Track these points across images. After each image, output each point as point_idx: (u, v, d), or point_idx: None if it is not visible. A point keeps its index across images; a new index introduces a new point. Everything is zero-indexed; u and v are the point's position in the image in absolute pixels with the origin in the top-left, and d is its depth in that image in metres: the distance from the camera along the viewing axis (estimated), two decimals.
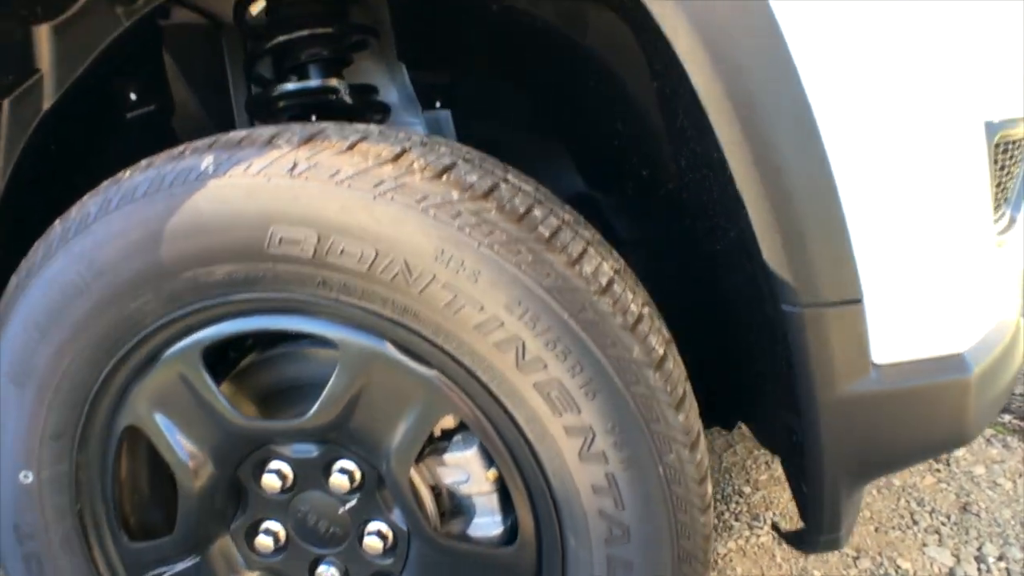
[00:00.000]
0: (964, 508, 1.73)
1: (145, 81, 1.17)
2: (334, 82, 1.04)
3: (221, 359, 0.93)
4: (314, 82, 1.04)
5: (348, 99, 1.05)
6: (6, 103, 0.97)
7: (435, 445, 0.89)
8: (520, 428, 0.78)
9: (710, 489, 0.81)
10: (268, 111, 1.12)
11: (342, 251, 0.74)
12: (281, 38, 1.03)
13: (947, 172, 0.80)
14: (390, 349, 0.80)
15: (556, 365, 0.73)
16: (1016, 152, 1.03)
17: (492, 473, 0.85)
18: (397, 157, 0.74)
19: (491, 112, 1.24)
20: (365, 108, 1.10)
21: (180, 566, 0.95)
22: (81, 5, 0.94)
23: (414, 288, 0.74)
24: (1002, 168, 0.99)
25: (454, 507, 0.91)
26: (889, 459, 0.96)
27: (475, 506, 0.89)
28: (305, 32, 1.03)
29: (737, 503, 1.72)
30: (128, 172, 0.82)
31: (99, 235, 0.80)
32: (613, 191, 1.23)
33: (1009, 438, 2.05)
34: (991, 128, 0.87)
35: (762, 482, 1.83)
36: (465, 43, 1.13)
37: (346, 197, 0.73)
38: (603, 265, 0.77)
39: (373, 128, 0.81)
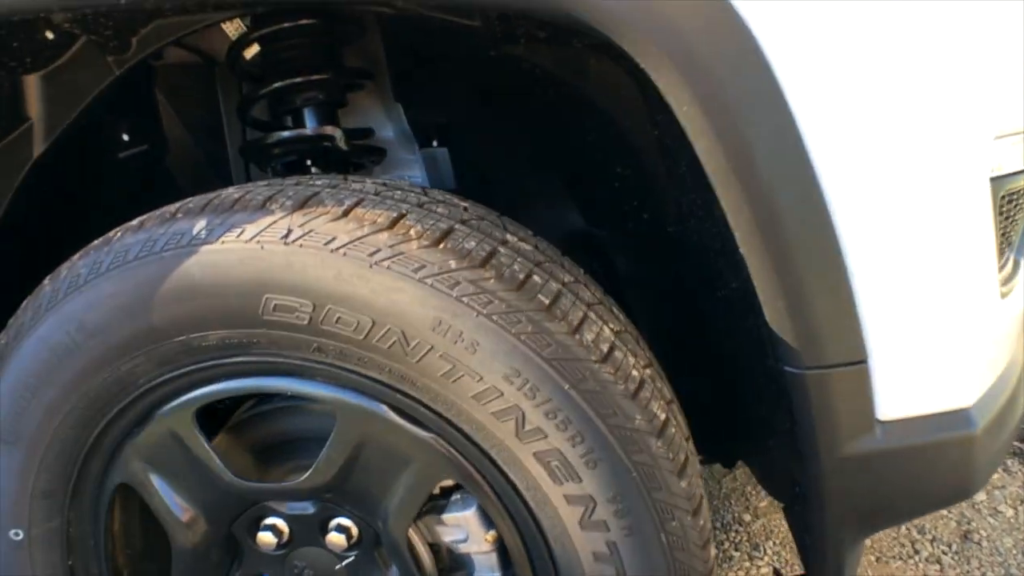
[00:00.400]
0: (965, 536, 1.72)
1: (137, 121, 1.16)
2: (329, 130, 1.03)
3: (212, 412, 0.92)
4: (309, 130, 1.03)
5: (344, 146, 1.03)
6: None
7: (434, 503, 0.88)
8: (520, 494, 0.77)
9: (712, 552, 0.80)
10: (263, 157, 1.11)
11: (337, 320, 0.73)
12: (276, 84, 1.01)
13: (952, 229, 0.79)
14: (387, 412, 0.79)
15: (556, 435, 0.72)
16: (1020, 200, 1.02)
17: (492, 535, 0.84)
18: (393, 224, 0.73)
19: (489, 150, 1.23)
20: (361, 153, 1.09)
21: None
22: (71, 55, 0.93)
23: (411, 357, 0.72)
24: (1007, 218, 0.98)
25: (452, 563, 0.90)
26: (893, 514, 0.95)
27: (474, 563, 0.88)
28: (300, 79, 1.02)
29: (737, 532, 1.71)
30: (119, 233, 0.80)
31: (90, 297, 0.79)
32: (613, 229, 1.22)
33: (1010, 461, 2.05)
34: (996, 183, 0.86)
35: (762, 509, 1.82)
36: (462, 85, 1.12)
37: (342, 266, 0.71)
38: (604, 330, 0.76)
39: (369, 186, 0.80)
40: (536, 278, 0.74)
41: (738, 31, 0.69)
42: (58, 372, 0.82)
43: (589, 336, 0.73)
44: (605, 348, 0.74)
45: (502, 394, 0.72)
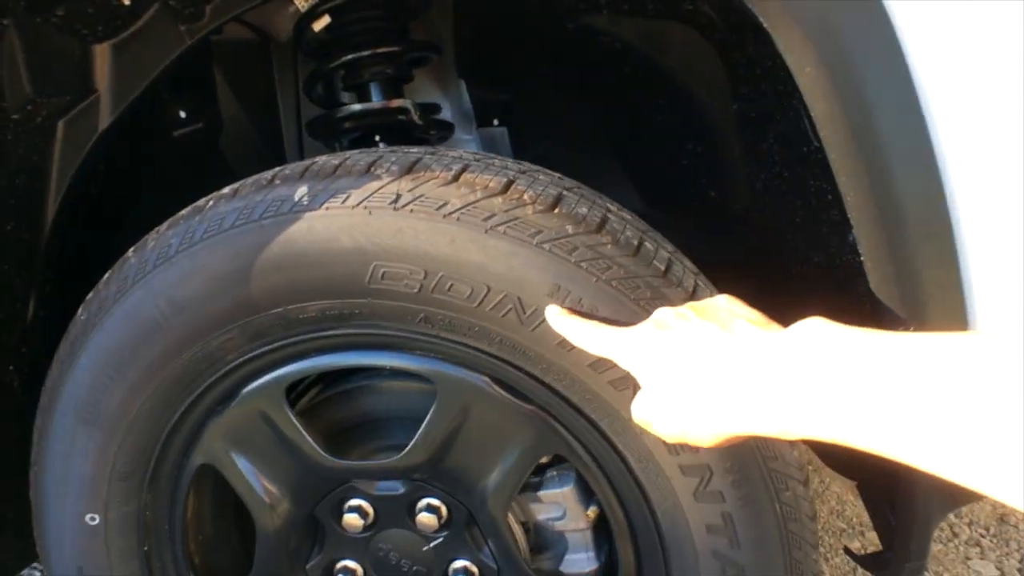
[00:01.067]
0: (1001, 519, 1.73)
1: (195, 98, 1.13)
2: (401, 101, 1.01)
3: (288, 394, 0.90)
4: (383, 102, 1.00)
5: (417, 119, 1.01)
6: (61, 124, 0.92)
7: (527, 481, 0.86)
8: (630, 467, 0.75)
9: (819, 525, 0.79)
10: (331, 132, 1.08)
11: (450, 287, 0.71)
12: (348, 57, 0.99)
13: None
14: (490, 385, 0.77)
15: None
16: None
17: (592, 511, 0.83)
18: (506, 188, 0.71)
19: (548, 130, 1.21)
20: (430, 127, 1.07)
21: None
22: (143, 23, 0.90)
23: (527, 326, 0.71)
24: None
25: (544, 543, 0.88)
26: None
27: (568, 542, 0.87)
28: (369, 52, 1.00)
29: None
30: (211, 201, 0.78)
31: (182, 269, 0.76)
32: (674, 211, 1.21)
33: None
34: None
35: None
36: (532, 60, 1.10)
37: (456, 232, 0.69)
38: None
39: (468, 155, 0.78)
40: (648, 244, 0.73)
41: None
42: (144, 348, 0.79)
43: None
44: None
45: None
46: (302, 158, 1.24)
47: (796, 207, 0.95)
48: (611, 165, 1.23)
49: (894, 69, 0.67)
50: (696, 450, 0.72)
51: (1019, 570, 1.56)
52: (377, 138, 1.05)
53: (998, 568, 1.56)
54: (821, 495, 1.82)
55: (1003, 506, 1.78)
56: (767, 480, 0.73)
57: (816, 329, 0.51)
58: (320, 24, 1.00)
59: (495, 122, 1.20)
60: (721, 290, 0.88)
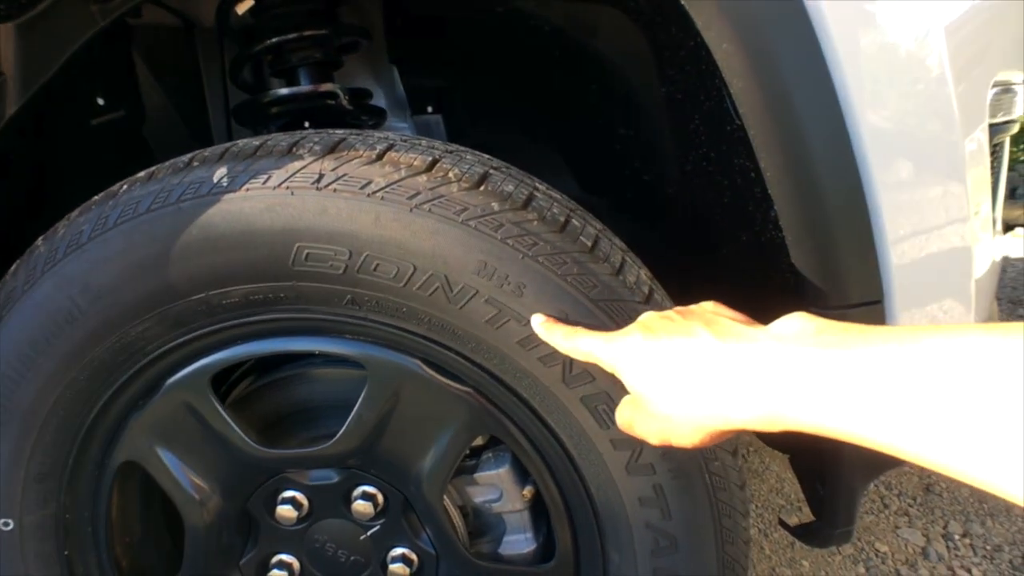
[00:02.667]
0: (927, 489, 1.82)
1: (113, 84, 1.08)
2: (331, 86, 0.99)
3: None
4: (312, 86, 0.98)
5: (347, 104, 0.99)
6: None
7: (463, 464, 0.85)
8: (563, 443, 0.75)
9: (748, 494, 0.81)
10: (258, 118, 1.05)
11: (376, 267, 0.70)
12: (273, 40, 0.97)
13: (964, 174, 0.83)
14: (422, 367, 0.76)
15: (604, 377, 0.71)
16: (1000, 153, 1.09)
17: (528, 490, 0.83)
18: (431, 167, 0.71)
19: (482, 115, 1.21)
20: (361, 113, 1.05)
21: None
22: (51, 2, 0.86)
23: (454, 304, 0.70)
24: (992, 169, 1.04)
25: (482, 526, 0.88)
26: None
27: (505, 524, 0.87)
28: (297, 34, 0.98)
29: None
30: (125, 186, 0.75)
31: (95, 256, 0.73)
32: (609, 195, 1.22)
33: None
34: (992, 130, 0.91)
35: None
36: (464, 46, 1.10)
37: (380, 210, 0.68)
38: (641, 274, 0.76)
39: (394, 136, 0.77)
40: (575, 221, 0.74)
41: None
42: (57, 340, 0.75)
43: (631, 278, 0.73)
44: (646, 290, 0.74)
45: None
46: None
47: (723, 187, 0.97)
48: (548, 151, 1.24)
49: (806, 43, 0.69)
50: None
51: (943, 536, 1.64)
52: (307, 124, 1.03)
53: (924, 535, 1.64)
54: (761, 474, 1.87)
55: (929, 476, 1.87)
56: (697, 451, 0.74)
57: (801, 321, 0.52)
58: (244, 6, 0.97)
59: (429, 109, 1.19)
60: (654, 273, 0.90)
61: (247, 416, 0.86)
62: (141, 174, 0.75)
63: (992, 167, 1.05)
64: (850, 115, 0.74)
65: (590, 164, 1.20)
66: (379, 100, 1.20)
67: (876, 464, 0.96)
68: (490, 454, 0.85)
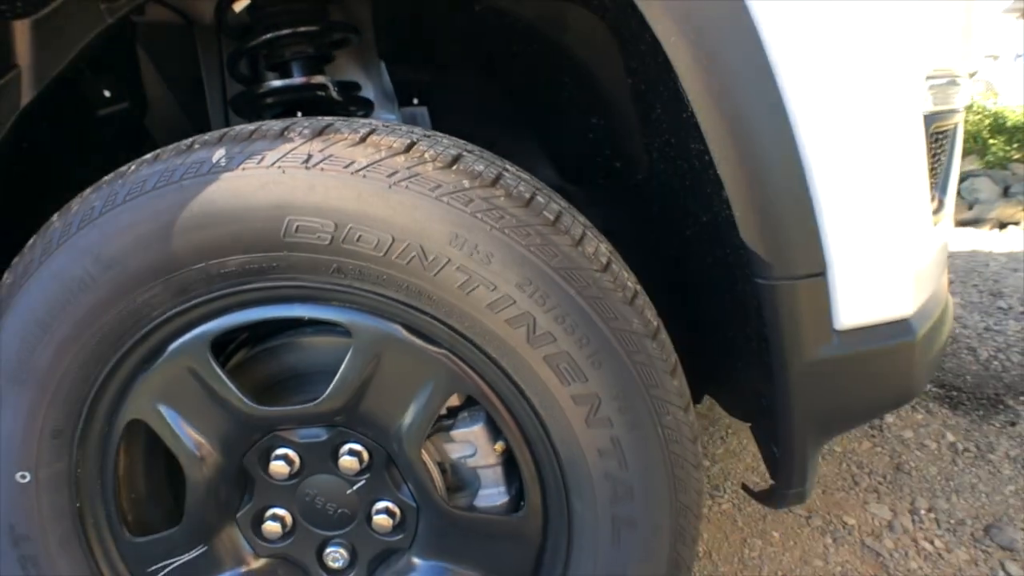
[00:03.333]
0: (897, 468, 1.90)
1: (119, 78, 1.16)
2: (321, 79, 1.06)
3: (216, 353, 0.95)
4: (303, 78, 1.06)
5: (336, 95, 1.07)
6: None
7: (440, 423, 0.93)
8: (529, 400, 0.83)
9: (700, 448, 0.89)
10: (253, 108, 1.13)
11: (359, 238, 0.78)
12: (267, 36, 1.05)
13: (895, 156, 0.91)
14: (401, 331, 0.84)
15: (565, 338, 0.79)
16: (944, 141, 1.16)
17: (499, 445, 0.90)
18: (409, 148, 0.78)
19: (466, 108, 1.29)
20: (349, 104, 1.13)
21: (186, 557, 0.96)
22: (63, 0, 0.94)
23: (429, 271, 0.78)
24: (934, 156, 1.11)
25: (459, 480, 0.96)
26: (851, 416, 1.06)
27: (480, 478, 0.94)
28: (290, 30, 1.05)
29: None
30: (133, 166, 0.83)
31: (106, 229, 0.81)
32: (585, 183, 1.30)
33: (931, 404, 2.26)
34: (928, 119, 0.98)
35: (719, 455, 1.95)
36: (445, 41, 1.18)
37: (362, 187, 0.76)
38: (600, 246, 0.84)
39: (377, 121, 0.85)
40: (540, 198, 0.81)
41: None
42: (72, 307, 0.83)
43: (590, 249, 0.81)
44: (604, 260, 0.82)
45: (515, 302, 0.78)
46: None
47: (684, 170, 1.05)
48: (528, 143, 1.31)
49: (746, 36, 0.77)
50: (585, 378, 0.81)
51: (910, 511, 1.71)
52: (299, 113, 1.10)
53: (891, 510, 1.71)
54: (738, 454, 1.95)
55: (899, 456, 1.94)
56: (650, 406, 0.82)
57: None
58: (240, 5, 1.05)
59: (415, 101, 1.27)
60: (624, 251, 0.97)
61: (245, 381, 0.94)
62: (148, 156, 0.83)
63: (935, 155, 1.13)
64: (789, 101, 0.81)
65: (567, 153, 1.28)
66: (368, 92, 1.27)
67: (827, 421, 1.04)
68: (465, 413, 0.92)
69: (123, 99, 1.17)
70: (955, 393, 2.32)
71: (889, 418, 2.13)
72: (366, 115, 1.19)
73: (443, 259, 0.77)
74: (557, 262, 0.78)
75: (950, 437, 2.03)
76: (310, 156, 0.77)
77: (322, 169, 0.77)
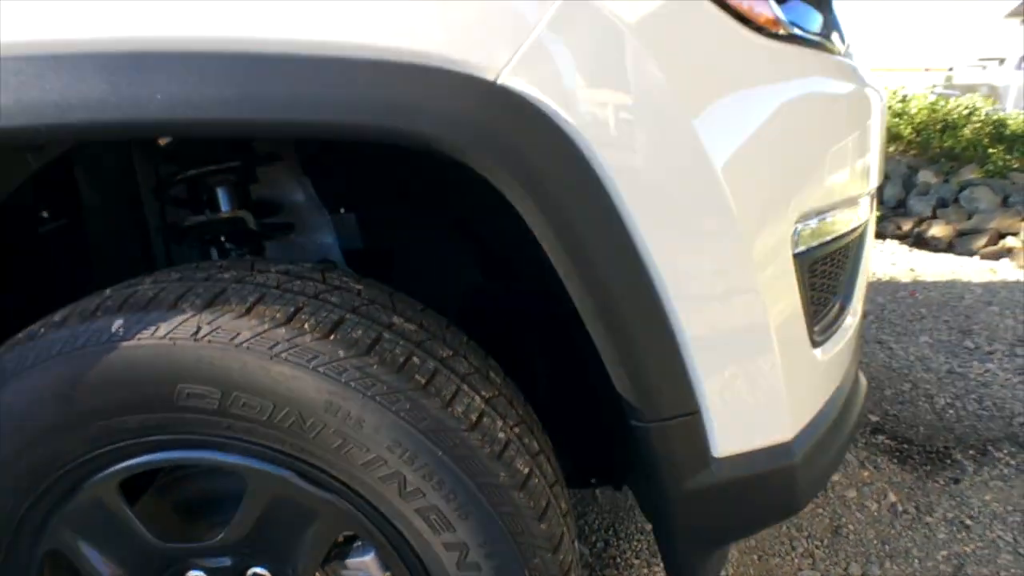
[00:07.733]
0: (835, 531, 1.95)
1: (57, 199, 1.24)
2: (240, 213, 1.14)
3: (137, 477, 1.02)
4: (221, 213, 1.13)
5: (253, 227, 1.14)
6: None
7: (339, 549, 1.00)
8: (408, 542, 0.90)
9: None
10: (182, 238, 1.20)
11: (243, 404, 0.85)
12: (191, 172, 1.12)
13: (764, 298, 0.95)
14: (293, 477, 0.91)
15: (433, 494, 0.86)
16: (840, 256, 1.21)
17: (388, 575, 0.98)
18: (290, 319, 0.85)
19: (392, 214, 1.36)
20: (270, 230, 1.20)
21: None
22: None
23: (308, 434, 0.85)
24: (825, 276, 1.17)
25: None
26: (732, 532, 1.13)
27: None
28: (212, 166, 1.12)
29: (638, 540, 1.89)
30: (41, 328, 0.90)
31: (17, 389, 0.88)
32: (509, 280, 1.37)
33: (880, 458, 2.30)
34: (802, 256, 1.04)
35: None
36: (363, 161, 1.24)
37: (245, 359, 0.83)
38: (475, 400, 0.90)
39: (272, 278, 0.92)
40: (415, 359, 0.88)
41: (564, 141, 0.81)
42: None
43: (460, 408, 0.87)
44: (474, 417, 0.88)
45: (386, 462, 0.85)
46: (168, 253, 1.37)
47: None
48: (454, 243, 1.38)
49: (593, 186, 0.81)
50: (454, 529, 0.87)
51: None
52: (223, 238, 1.18)
53: None
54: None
55: (839, 518, 2.00)
56: (516, 552, 0.89)
57: None
58: (164, 140, 1.12)
59: (342, 210, 1.34)
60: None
61: (167, 503, 1.01)
62: (56, 316, 0.91)
63: (828, 275, 1.18)
64: (647, 256, 0.86)
65: (486, 254, 1.34)
66: (298, 198, 1.35)
67: (709, 537, 1.10)
68: (360, 542, 0.99)
69: (62, 216, 1.24)
70: (905, 447, 2.37)
71: (836, 476, 2.18)
72: (287, 234, 1.27)
73: (319, 424, 0.84)
74: (425, 425, 0.85)
75: (892, 497, 2.08)
76: (199, 329, 0.84)
77: (209, 341, 0.84)
